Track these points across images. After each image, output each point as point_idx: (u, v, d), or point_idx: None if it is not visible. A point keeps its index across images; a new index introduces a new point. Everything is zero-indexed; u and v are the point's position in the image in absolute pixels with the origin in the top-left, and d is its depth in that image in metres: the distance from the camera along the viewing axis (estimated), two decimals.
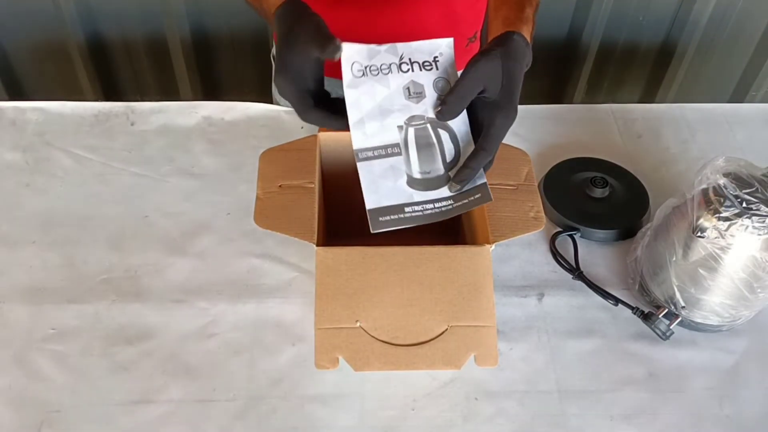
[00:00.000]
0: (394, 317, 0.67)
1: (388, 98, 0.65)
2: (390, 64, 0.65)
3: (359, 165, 0.64)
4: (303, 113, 0.63)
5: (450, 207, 0.65)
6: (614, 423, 0.72)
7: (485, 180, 0.65)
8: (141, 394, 0.73)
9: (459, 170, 0.64)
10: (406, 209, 0.64)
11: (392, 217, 0.64)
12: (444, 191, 0.65)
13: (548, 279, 0.85)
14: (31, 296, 0.81)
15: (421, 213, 0.64)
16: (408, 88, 0.65)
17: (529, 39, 0.66)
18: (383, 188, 0.64)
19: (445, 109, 0.63)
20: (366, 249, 0.69)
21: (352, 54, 0.64)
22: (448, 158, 0.65)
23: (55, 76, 1.68)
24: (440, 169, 0.65)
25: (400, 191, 0.64)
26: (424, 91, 0.65)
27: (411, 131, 0.65)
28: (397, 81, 0.65)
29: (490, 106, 0.63)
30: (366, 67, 0.64)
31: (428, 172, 0.65)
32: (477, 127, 0.65)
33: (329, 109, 0.63)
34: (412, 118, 0.64)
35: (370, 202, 0.64)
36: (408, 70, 0.65)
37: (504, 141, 0.81)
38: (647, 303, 0.82)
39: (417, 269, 0.69)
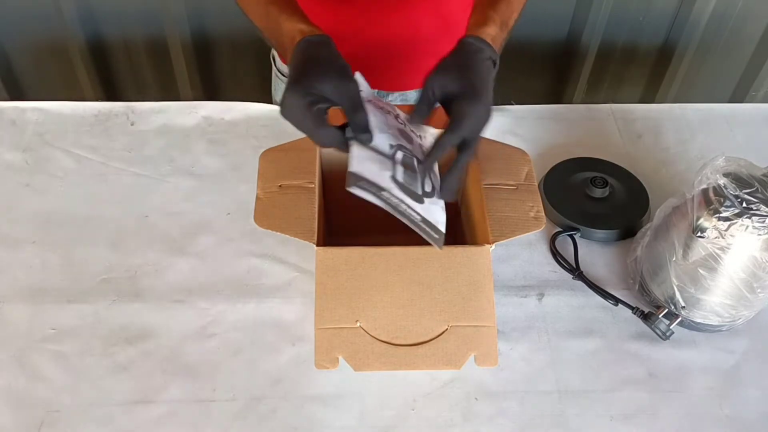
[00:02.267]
0: (394, 317, 0.67)
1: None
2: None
3: (352, 144, 0.62)
4: (315, 131, 0.60)
5: (416, 217, 0.63)
6: (614, 423, 0.72)
7: (444, 230, 0.64)
8: (141, 394, 0.73)
9: (444, 180, 0.64)
10: (383, 193, 0.62)
11: (369, 188, 0.61)
12: (417, 205, 0.63)
13: (548, 279, 0.85)
14: (31, 296, 0.81)
15: (394, 202, 0.62)
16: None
17: (489, 39, 0.66)
18: (370, 167, 0.62)
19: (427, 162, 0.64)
20: (366, 249, 0.69)
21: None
22: (427, 189, 0.65)
23: (55, 76, 1.68)
24: (418, 189, 0.64)
25: (384, 178, 0.62)
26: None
27: (399, 154, 0.65)
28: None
29: (457, 100, 0.62)
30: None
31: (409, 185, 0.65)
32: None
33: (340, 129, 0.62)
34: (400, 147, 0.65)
35: (354, 166, 0.61)
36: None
37: (504, 141, 0.82)
38: (647, 303, 0.82)
39: (417, 269, 0.69)
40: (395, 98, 1.06)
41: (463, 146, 0.62)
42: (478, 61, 0.64)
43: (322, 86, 0.59)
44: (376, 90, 1.05)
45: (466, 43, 0.66)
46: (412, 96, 1.06)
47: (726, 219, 0.69)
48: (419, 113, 0.65)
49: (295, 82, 0.60)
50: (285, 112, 0.61)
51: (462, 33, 0.93)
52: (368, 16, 0.92)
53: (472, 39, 0.66)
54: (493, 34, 0.67)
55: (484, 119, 0.62)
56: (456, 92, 0.62)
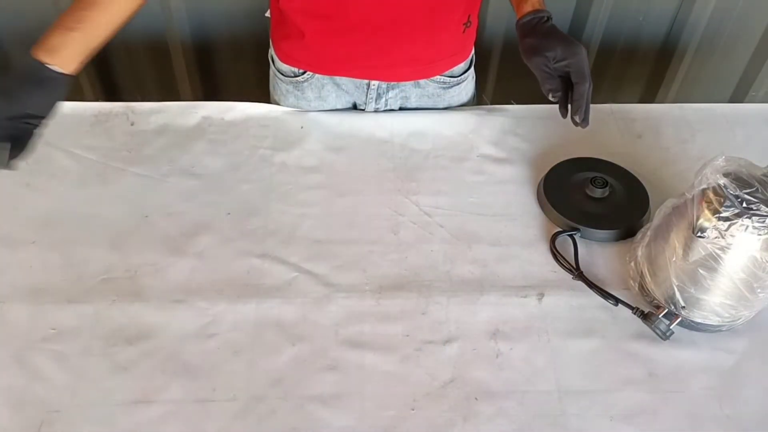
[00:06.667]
0: None
1: None
2: None
3: None
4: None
5: None
6: (614, 423, 0.72)
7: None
8: (141, 394, 0.73)
9: (586, 112, 0.84)
10: None
11: None
12: None
13: (548, 279, 0.85)
14: (31, 296, 0.81)
15: None
16: None
17: (538, 5, 0.85)
18: None
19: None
20: None
21: None
22: None
23: None
24: None
25: None
26: None
27: None
28: None
29: (565, 59, 0.80)
30: None
31: None
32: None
33: None
34: None
35: None
36: None
37: (504, 141, 0.81)
38: (647, 303, 0.82)
39: None
40: (395, 95, 1.05)
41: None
42: (548, 25, 0.82)
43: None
44: (377, 81, 1.03)
45: (528, 22, 0.84)
46: (409, 91, 1.05)
47: (726, 219, 0.69)
48: (554, 87, 0.81)
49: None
50: None
51: (451, 18, 0.99)
52: (357, 6, 0.92)
53: (528, 16, 0.83)
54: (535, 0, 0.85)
55: (585, 56, 0.82)
56: (558, 55, 0.79)
